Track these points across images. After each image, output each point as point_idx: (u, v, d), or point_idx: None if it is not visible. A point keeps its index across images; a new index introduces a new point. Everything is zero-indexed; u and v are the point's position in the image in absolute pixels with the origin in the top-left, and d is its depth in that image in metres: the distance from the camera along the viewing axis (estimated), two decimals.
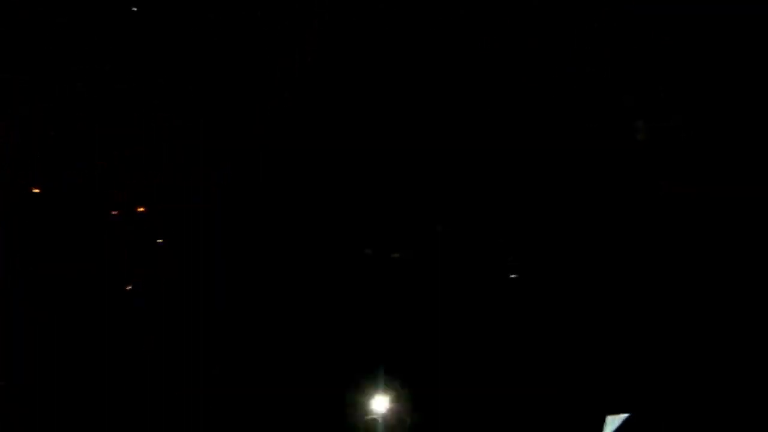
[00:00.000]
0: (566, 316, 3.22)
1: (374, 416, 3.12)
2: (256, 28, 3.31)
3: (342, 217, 3.30)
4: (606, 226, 3.29)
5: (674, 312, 3.18)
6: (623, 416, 3.06)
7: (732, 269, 3.19)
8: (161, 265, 3.24)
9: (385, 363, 3.20)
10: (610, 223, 3.29)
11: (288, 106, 3.31)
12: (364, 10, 3.32)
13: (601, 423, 3.07)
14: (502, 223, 3.32)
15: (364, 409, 3.15)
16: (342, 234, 3.30)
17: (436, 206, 3.31)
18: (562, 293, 3.25)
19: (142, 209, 3.27)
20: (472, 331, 3.24)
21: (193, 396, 3.11)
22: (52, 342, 3.14)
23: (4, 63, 3.20)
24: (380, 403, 3.15)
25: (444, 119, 3.33)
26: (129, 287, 3.22)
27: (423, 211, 3.31)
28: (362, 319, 3.26)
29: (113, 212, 3.26)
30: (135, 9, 3.08)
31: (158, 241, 3.26)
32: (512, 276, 3.27)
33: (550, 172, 3.32)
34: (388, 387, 3.16)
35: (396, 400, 3.15)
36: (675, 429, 3.09)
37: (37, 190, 3.19)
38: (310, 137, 3.30)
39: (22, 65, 3.22)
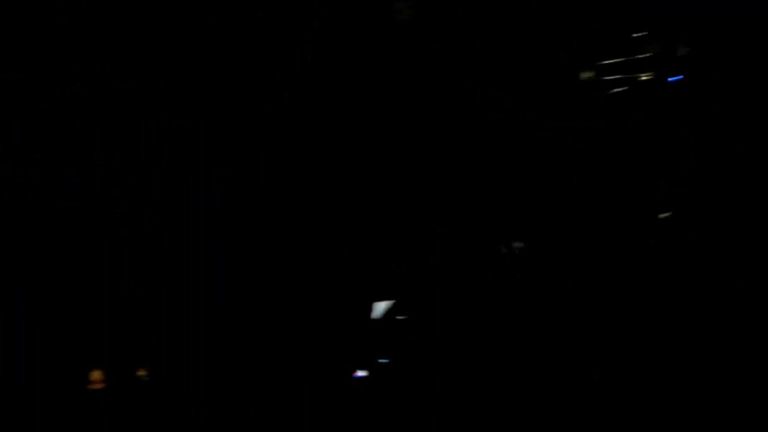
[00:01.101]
0: (566, 315, 3.22)
1: None
2: (256, 28, 3.30)
3: (342, 217, 3.30)
4: (606, 226, 3.29)
5: (674, 313, 3.19)
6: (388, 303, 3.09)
7: (733, 270, 3.19)
8: (161, 265, 3.24)
9: (384, 362, 3.20)
10: (610, 223, 3.29)
11: (288, 106, 3.31)
12: (364, 10, 3.32)
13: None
14: (502, 224, 3.32)
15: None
16: (342, 234, 3.30)
17: (437, 207, 3.31)
18: (563, 293, 3.25)
19: (141, 209, 3.27)
20: (472, 331, 3.24)
21: (193, 396, 3.11)
22: (52, 342, 3.14)
23: (4, 63, 3.20)
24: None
25: (444, 119, 3.33)
26: (129, 287, 3.22)
27: (423, 211, 3.32)
28: (362, 319, 3.26)
29: (113, 212, 3.26)
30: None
31: (158, 241, 3.26)
32: (512, 276, 3.28)
33: (549, 173, 3.32)
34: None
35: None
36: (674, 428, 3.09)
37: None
38: (310, 137, 3.30)
39: (22, 65, 3.22)
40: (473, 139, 3.31)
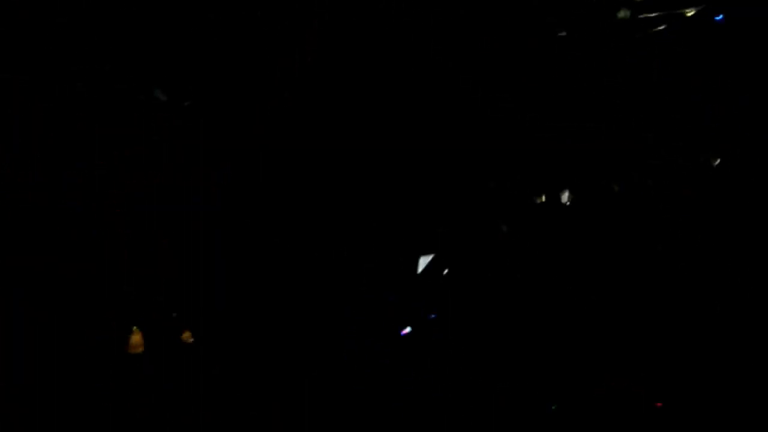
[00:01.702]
0: (568, 317, 3.23)
1: None
2: (256, 28, 3.30)
3: (342, 217, 3.30)
4: (606, 226, 3.29)
5: (673, 314, 3.19)
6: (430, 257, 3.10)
7: (733, 271, 3.19)
8: (161, 265, 3.24)
9: (384, 361, 3.20)
10: (610, 223, 3.29)
11: (288, 106, 3.31)
12: (364, 10, 3.32)
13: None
14: (502, 224, 3.32)
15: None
16: (342, 234, 3.30)
17: (437, 207, 3.32)
18: (564, 294, 3.25)
19: (141, 209, 3.27)
20: (471, 331, 3.24)
21: (193, 396, 3.11)
22: (52, 342, 3.14)
23: (4, 63, 3.20)
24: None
25: (444, 119, 3.33)
26: (129, 287, 3.22)
27: (423, 212, 3.32)
28: (362, 319, 3.26)
29: (113, 212, 3.26)
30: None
31: (158, 241, 3.26)
32: (512, 277, 3.28)
33: (549, 173, 3.32)
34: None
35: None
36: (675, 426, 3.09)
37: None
38: (310, 137, 3.30)
39: (22, 65, 3.22)
40: (473, 139, 3.31)
